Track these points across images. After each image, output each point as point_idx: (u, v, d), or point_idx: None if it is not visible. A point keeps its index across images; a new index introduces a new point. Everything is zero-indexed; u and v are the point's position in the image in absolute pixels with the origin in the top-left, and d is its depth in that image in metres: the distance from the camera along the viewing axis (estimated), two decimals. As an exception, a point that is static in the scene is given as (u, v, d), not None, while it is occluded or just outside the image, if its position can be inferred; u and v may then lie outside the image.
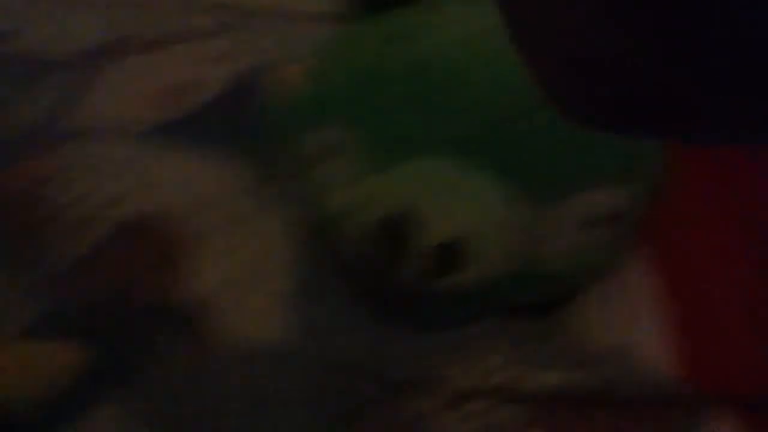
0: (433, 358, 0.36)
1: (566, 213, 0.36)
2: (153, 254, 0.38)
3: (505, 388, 0.35)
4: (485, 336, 0.37)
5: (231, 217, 0.40)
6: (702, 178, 0.49)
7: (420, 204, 0.34)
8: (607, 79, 0.14)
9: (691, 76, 0.13)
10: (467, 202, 0.35)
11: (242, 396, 0.34)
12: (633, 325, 0.39)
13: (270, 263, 0.38)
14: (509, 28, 0.15)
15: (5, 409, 0.33)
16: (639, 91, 0.14)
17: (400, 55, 0.36)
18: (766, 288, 0.43)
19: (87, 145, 0.43)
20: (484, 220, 0.35)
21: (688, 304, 0.42)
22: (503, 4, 0.14)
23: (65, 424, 0.32)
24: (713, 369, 0.39)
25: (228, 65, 0.49)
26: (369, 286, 0.36)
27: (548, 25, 0.14)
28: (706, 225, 0.46)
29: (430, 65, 0.36)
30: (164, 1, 0.56)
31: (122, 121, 0.44)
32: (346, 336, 0.36)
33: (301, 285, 0.38)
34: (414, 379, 0.35)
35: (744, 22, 0.12)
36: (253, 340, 0.36)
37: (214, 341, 0.36)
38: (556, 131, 0.34)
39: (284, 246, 0.39)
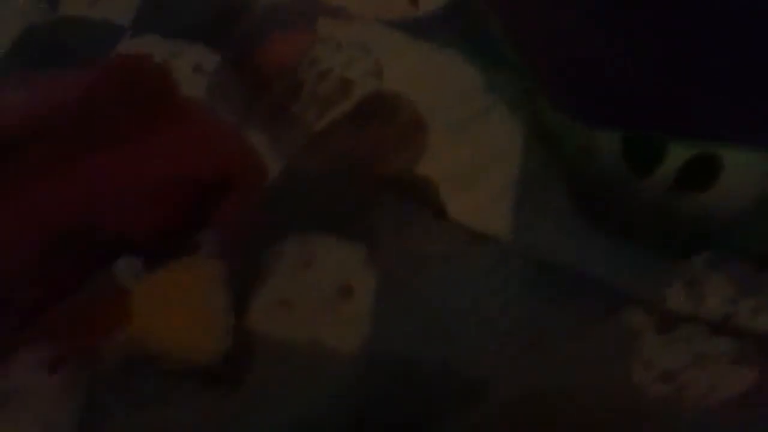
0: (654, 277, 0.36)
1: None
2: (392, 133, 0.40)
3: (720, 320, 0.35)
4: (710, 268, 0.37)
5: (466, 112, 0.41)
6: None
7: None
8: (607, 79, 0.15)
9: (691, 76, 0.14)
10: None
11: (460, 278, 0.36)
12: None
13: (500, 161, 0.39)
14: (510, 28, 0.16)
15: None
16: (638, 90, 0.14)
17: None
18: None
19: (337, 24, 0.45)
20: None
21: None
22: (504, 6, 0.15)
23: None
24: None
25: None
26: (606, 196, 0.37)
27: (548, 26, 0.15)
28: None
29: None
30: None
31: (367, 10, 0.46)
32: (570, 242, 0.37)
33: (529, 187, 0.39)
34: (631, 294, 0.35)
35: (743, 22, 0.12)
36: (475, 229, 0.37)
37: (441, 222, 0.37)
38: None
39: (516, 147, 0.40)
